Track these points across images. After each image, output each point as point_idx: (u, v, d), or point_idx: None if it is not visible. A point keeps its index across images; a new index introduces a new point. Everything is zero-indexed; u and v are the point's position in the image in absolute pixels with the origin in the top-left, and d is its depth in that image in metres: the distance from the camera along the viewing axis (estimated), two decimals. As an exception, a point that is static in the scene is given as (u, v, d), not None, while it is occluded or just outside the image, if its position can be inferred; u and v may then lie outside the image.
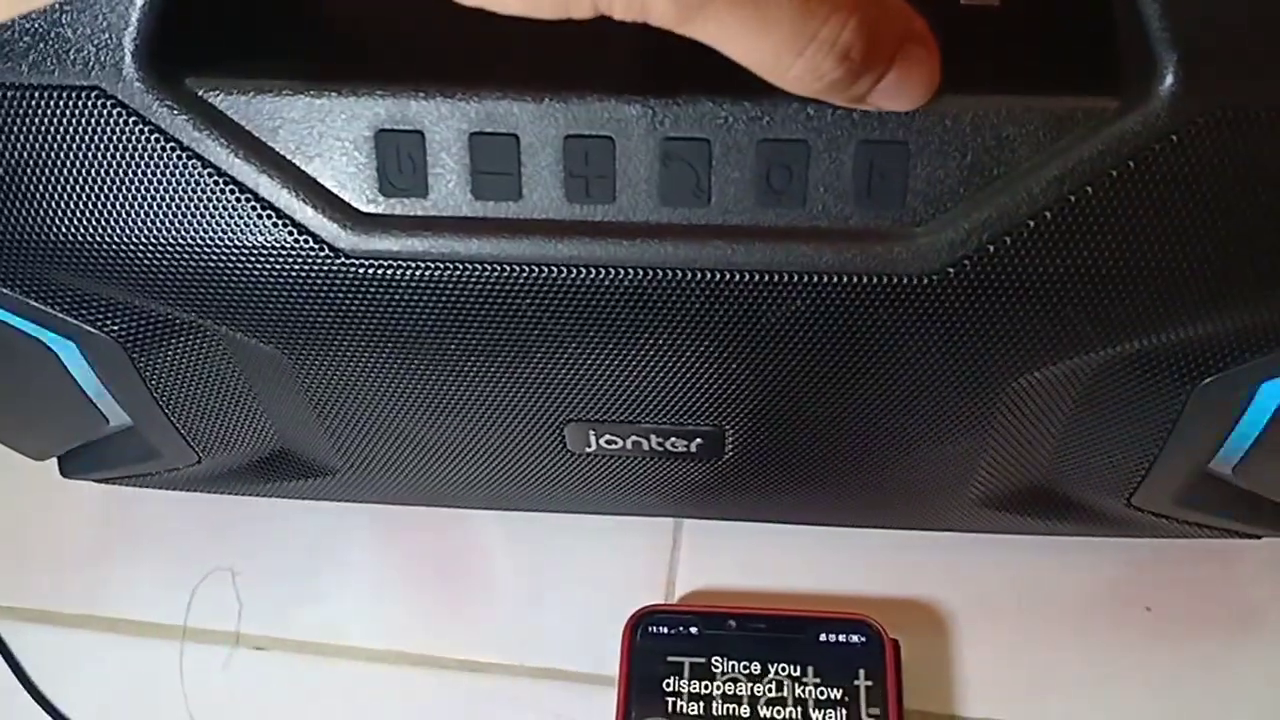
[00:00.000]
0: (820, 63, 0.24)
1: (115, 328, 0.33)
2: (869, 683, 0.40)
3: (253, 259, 0.31)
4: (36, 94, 0.29)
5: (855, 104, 0.26)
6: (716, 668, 0.41)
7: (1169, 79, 0.27)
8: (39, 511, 0.48)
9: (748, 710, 0.40)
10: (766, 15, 0.23)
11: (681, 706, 0.40)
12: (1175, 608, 0.43)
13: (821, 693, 0.40)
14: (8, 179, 0.30)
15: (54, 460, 0.44)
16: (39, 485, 0.47)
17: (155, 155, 0.29)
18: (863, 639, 0.41)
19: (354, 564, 0.46)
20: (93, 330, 0.33)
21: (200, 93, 0.29)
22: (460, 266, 0.30)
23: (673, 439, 0.36)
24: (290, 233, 0.30)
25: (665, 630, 0.42)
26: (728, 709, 0.40)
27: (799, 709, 0.39)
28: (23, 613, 0.46)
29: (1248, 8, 0.27)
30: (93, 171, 0.30)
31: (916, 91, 0.26)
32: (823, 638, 0.41)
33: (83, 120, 0.29)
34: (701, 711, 0.40)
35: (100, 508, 0.48)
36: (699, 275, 0.30)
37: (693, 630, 0.42)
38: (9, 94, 0.29)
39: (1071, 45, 0.29)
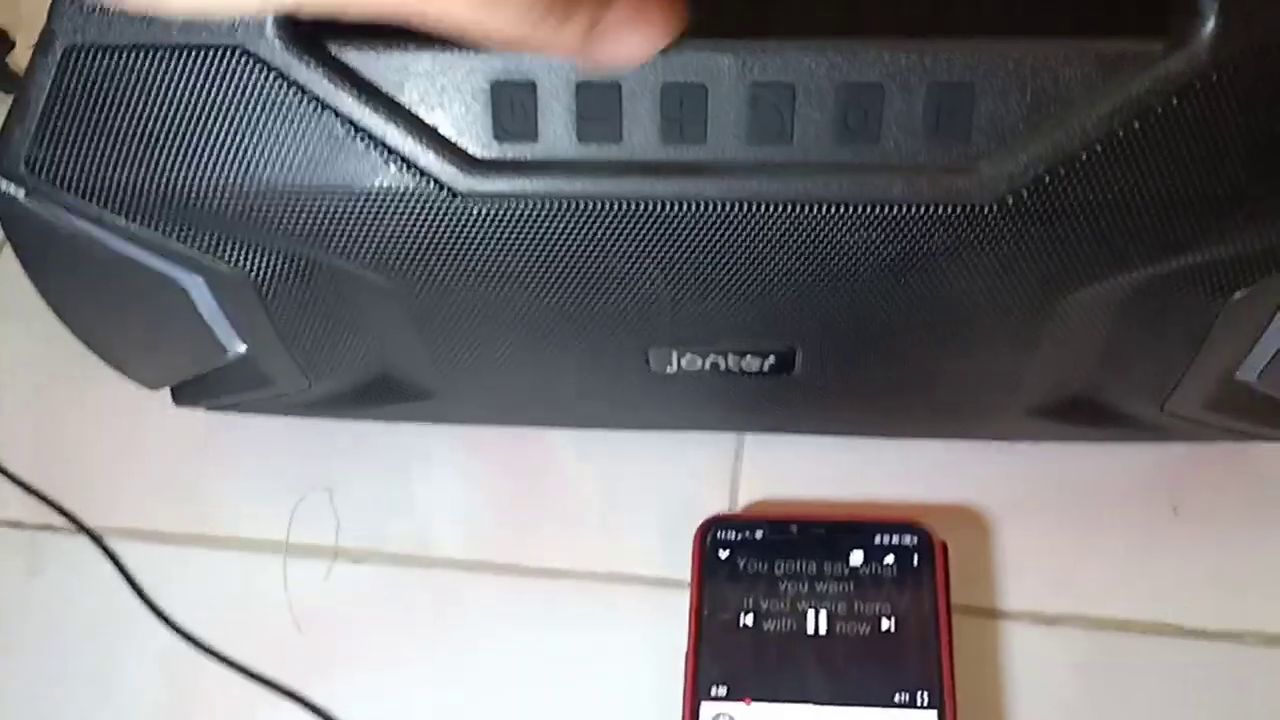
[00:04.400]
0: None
1: (248, 265, 0.37)
2: (921, 581, 0.43)
3: (378, 201, 0.34)
4: (185, 52, 0.32)
5: (572, 53, 0.26)
6: (780, 569, 0.44)
7: (1211, 22, 0.30)
8: (149, 436, 0.51)
9: (810, 607, 0.43)
10: None
11: (750, 605, 0.43)
12: (1200, 506, 0.46)
13: (878, 591, 0.43)
14: (157, 129, 0.33)
15: (158, 389, 0.47)
16: (149, 412, 0.51)
17: (293, 108, 0.32)
18: (914, 540, 0.44)
19: (441, 481, 0.49)
20: (226, 267, 0.37)
21: (334, 50, 0.32)
22: (565, 204, 0.33)
23: (748, 358, 0.39)
24: (413, 176, 0.33)
25: (733, 536, 0.45)
26: (792, 607, 0.43)
27: (857, 605, 0.43)
28: (137, 532, 0.49)
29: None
30: (235, 122, 0.33)
31: (635, 41, 0.26)
32: (878, 540, 0.44)
33: (227, 76, 0.32)
34: (769, 610, 0.43)
35: (205, 433, 0.51)
36: (782, 208, 0.33)
37: (758, 535, 0.44)
38: (160, 52, 0.32)
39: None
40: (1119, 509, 0.46)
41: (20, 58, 0.57)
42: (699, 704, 0.41)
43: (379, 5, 0.24)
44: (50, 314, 0.42)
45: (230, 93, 0.32)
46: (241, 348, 0.42)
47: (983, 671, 0.43)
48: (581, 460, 0.49)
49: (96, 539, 0.49)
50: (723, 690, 0.41)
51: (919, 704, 0.40)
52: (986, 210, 0.32)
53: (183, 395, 0.47)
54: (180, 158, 0.34)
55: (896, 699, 0.41)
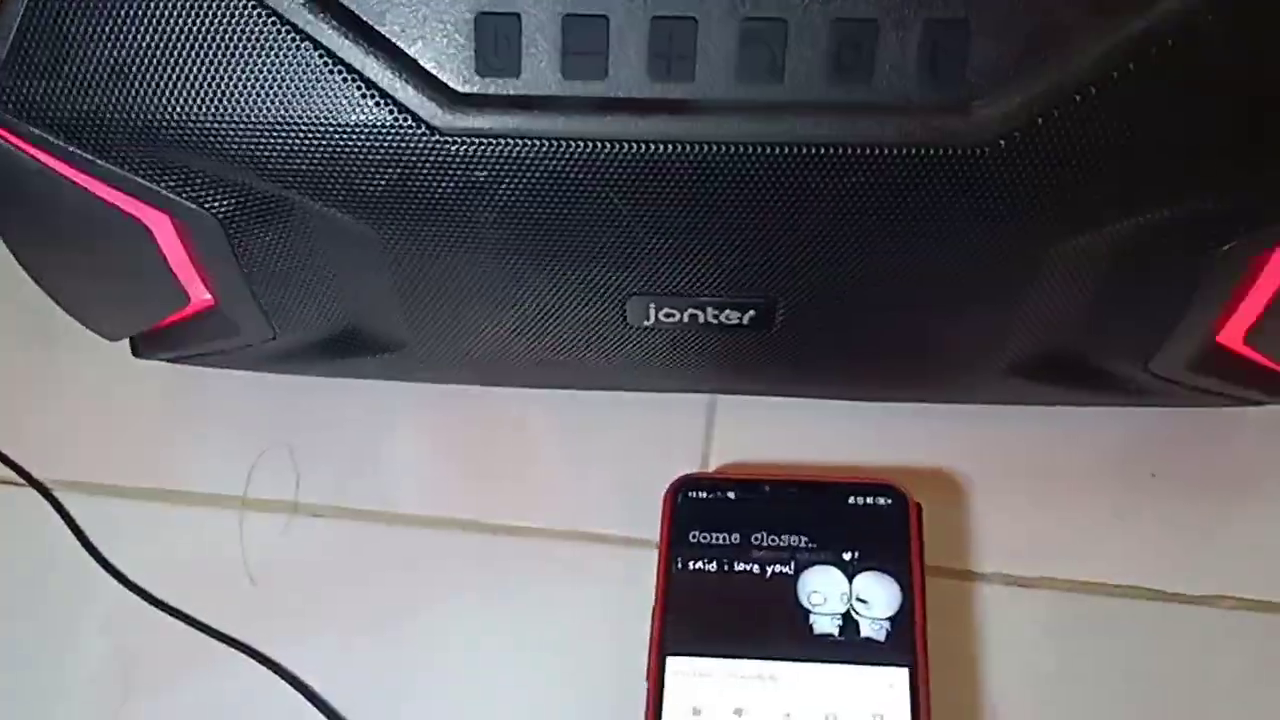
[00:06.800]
0: None
1: (217, 205, 0.35)
2: (894, 541, 0.42)
3: (354, 137, 0.33)
4: (155, -24, 0.31)
5: None
6: (752, 529, 0.43)
7: (1208, -35, 0.29)
8: (104, 391, 0.50)
9: (781, 568, 0.42)
10: None
11: (720, 564, 0.42)
12: (1178, 473, 0.46)
13: (851, 551, 0.42)
14: (130, 58, 0.32)
15: (119, 339, 0.46)
16: (105, 364, 0.49)
17: (269, 37, 0.31)
18: (888, 501, 0.43)
19: (405, 438, 0.48)
20: (194, 207, 0.35)
21: (313, -25, 0.31)
22: (548, 143, 0.32)
23: (727, 311, 0.39)
24: (391, 111, 0.32)
25: (704, 495, 0.44)
26: (764, 568, 0.42)
27: (830, 566, 0.42)
28: (89, 486, 0.47)
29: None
30: (208, 52, 0.32)
31: None
32: (851, 500, 0.43)
33: (203, 3, 0.31)
34: (739, 569, 0.42)
35: (163, 388, 0.50)
36: (770, 149, 0.32)
37: (730, 495, 0.44)
38: (127, -24, 0.31)
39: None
40: (1096, 474, 0.46)
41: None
42: (665, 660, 0.40)
43: None
44: (4, 267, 0.40)
45: (206, 21, 0.31)
46: (205, 295, 0.40)
47: (956, 633, 0.43)
48: (551, 420, 0.48)
49: (44, 490, 0.47)
50: (689, 648, 0.40)
51: (890, 663, 0.40)
52: (978, 153, 0.32)
53: (144, 346, 0.45)
54: (152, 88, 0.32)
55: (867, 658, 0.40)
